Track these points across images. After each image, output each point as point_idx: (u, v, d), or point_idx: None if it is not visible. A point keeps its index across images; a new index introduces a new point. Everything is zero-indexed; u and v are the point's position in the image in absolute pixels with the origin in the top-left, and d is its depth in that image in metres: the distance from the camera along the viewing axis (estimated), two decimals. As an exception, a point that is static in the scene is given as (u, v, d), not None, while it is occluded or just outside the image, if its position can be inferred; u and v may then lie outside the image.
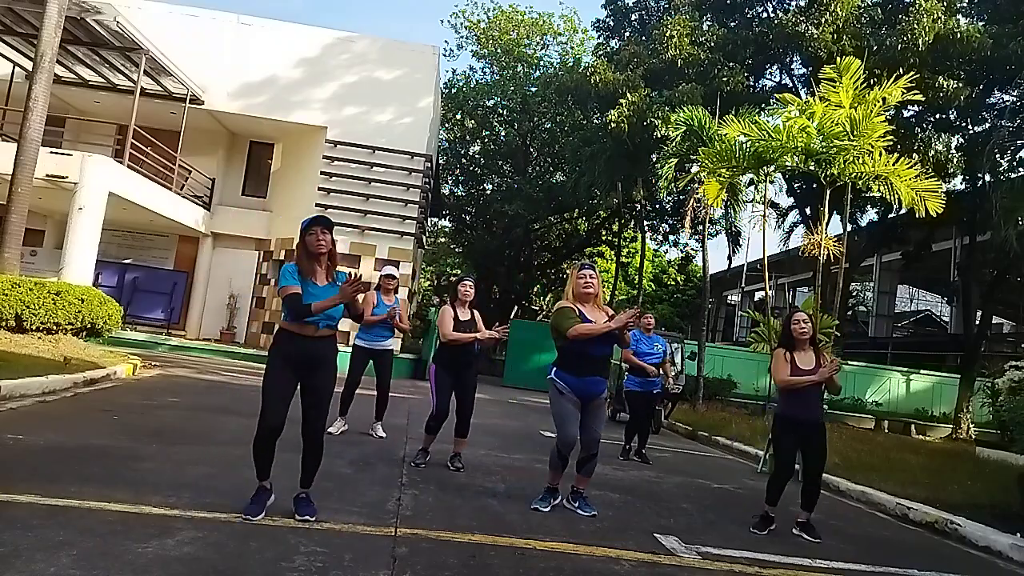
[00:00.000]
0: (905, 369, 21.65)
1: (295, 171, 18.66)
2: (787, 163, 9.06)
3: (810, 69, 15.23)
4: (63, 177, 12.99)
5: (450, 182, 30.37)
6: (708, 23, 17.24)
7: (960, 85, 13.90)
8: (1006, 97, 16.01)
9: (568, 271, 4.86)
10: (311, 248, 3.75)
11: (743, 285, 32.48)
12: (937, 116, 15.75)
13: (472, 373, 5.76)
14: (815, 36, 14.48)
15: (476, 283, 5.92)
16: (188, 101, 16.55)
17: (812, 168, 8.75)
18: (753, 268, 28.43)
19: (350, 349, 6.76)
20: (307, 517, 3.64)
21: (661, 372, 7.93)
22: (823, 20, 14.53)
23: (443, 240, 35.44)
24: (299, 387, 3.77)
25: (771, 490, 4.90)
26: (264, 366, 3.81)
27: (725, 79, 15.22)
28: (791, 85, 17.34)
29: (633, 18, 21.43)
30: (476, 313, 5.80)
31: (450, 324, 5.60)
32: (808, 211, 17.81)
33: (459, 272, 36.70)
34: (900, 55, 13.52)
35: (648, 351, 7.76)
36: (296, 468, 3.84)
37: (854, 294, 30.93)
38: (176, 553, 2.99)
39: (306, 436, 3.78)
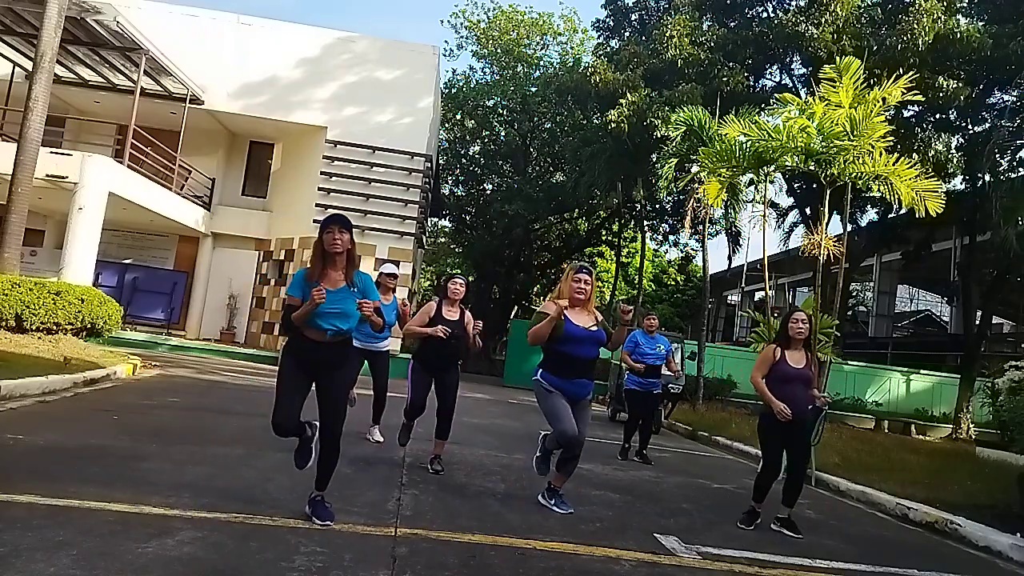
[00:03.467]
0: (905, 369, 21.65)
1: (295, 171, 18.66)
2: (787, 163, 9.08)
3: (810, 69, 15.22)
4: (63, 177, 12.99)
5: (450, 182, 30.34)
6: (708, 23, 17.22)
7: (960, 85, 13.90)
8: (1006, 97, 16.01)
9: (566, 268, 4.82)
10: (326, 247, 3.70)
11: (743, 285, 32.49)
12: (937, 116, 15.74)
13: (454, 374, 5.59)
14: (815, 36, 14.48)
15: (468, 283, 5.78)
16: (188, 101, 16.55)
17: (812, 168, 8.76)
18: (753, 268, 28.44)
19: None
20: (327, 522, 3.61)
21: (666, 370, 7.98)
22: (823, 20, 14.52)
23: (443, 240, 35.43)
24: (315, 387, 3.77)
25: (758, 488, 4.99)
26: (265, 366, 3.83)
27: (725, 79, 15.21)
28: (791, 85, 17.33)
29: (633, 18, 21.41)
30: (468, 315, 5.61)
31: (421, 319, 5.48)
32: (808, 211, 17.81)
33: (459, 272, 36.77)
34: (900, 55, 13.51)
35: (650, 351, 7.77)
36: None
37: (854, 294, 30.94)
38: (176, 553, 2.99)
39: (321, 438, 3.79)
